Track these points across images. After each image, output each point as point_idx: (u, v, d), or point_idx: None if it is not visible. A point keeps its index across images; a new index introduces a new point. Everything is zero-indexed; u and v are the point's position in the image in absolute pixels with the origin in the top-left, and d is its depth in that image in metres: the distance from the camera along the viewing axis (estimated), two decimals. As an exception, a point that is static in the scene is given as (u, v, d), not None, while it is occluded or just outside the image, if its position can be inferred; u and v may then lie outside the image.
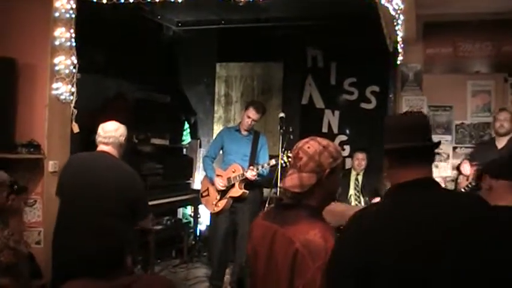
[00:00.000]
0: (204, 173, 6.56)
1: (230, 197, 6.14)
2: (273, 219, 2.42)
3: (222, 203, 6.15)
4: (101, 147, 4.13)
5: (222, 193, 6.18)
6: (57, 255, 4.06)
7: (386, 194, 2.04)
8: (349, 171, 7.19)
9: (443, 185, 5.99)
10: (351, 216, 2.03)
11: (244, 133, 6.33)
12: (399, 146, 1.99)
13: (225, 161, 6.39)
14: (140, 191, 4.12)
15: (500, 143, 5.99)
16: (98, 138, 4.14)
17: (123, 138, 4.16)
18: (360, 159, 7.02)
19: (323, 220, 2.36)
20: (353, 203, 6.77)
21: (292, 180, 2.36)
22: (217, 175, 6.24)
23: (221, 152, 6.47)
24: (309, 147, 2.38)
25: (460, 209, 1.86)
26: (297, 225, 2.27)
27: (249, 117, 6.18)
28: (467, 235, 1.77)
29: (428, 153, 2.04)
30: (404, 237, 1.80)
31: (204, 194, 6.38)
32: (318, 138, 2.43)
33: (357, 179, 7.07)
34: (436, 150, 2.12)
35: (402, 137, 1.99)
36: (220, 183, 6.15)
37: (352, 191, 6.99)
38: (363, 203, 6.72)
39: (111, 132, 4.11)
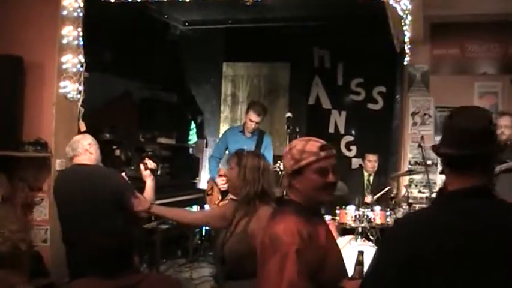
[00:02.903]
0: (209, 173, 6.55)
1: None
2: (270, 216, 2.49)
3: (224, 204, 6.11)
4: (73, 160, 4.28)
5: (224, 194, 6.13)
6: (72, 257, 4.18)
7: (438, 200, 1.99)
8: (359, 171, 7.20)
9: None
10: (401, 220, 2.00)
11: (248, 135, 6.31)
12: (463, 152, 1.87)
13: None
14: (120, 185, 4.20)
15: None
16: (68, 155, 4.32)
17: (87, 143, 4.28)
18: (373, 161, 7.04)
19: (305, 216, 2.38)
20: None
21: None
22: (221, 175, 6.21)
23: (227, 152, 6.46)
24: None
25: None
26: (275, 220, 2.35)
27: (251, 121, 6.18)
28: None
29: (490, 160, 1.94)
30: (460, 246, 1.77)
31: (209, 193, 6.39)
32: (294, 141, 2.50)
33: (368, 180, 7.08)
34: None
35: (468, 143, 1.86)
36: (221, 182, 6.12)
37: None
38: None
39: (75, 144, 4.28)
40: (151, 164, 4.48)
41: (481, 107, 2.12)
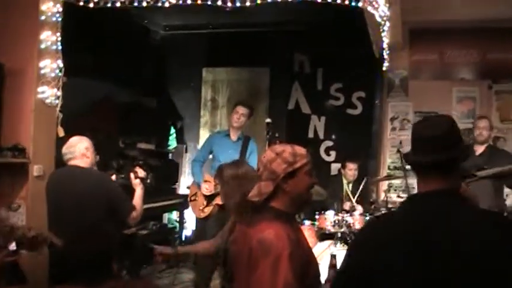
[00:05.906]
0: (192, 178, 6.51)
1: (216, 204, 6.06)
2: (246, 221, 2.55)
3: (208, 209, 6.08)
4: (69, 163, 4.36)
5: (209, 199, 6.10)
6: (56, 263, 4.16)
7: (401, 203, 2.08)
8: (338, 177, 7.16)
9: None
10: (366, 223, 2.09)
11: (234, 138, 6.29)
12: (417, 159, 2.00)
13: (213, 166, 6.24)
14: (113, 191, 4.31)
15: (478, 150, 5.98)
16: (65, 157, 4.39)
17: (83, 147, 4.37)
18: (353, 170, 6.96)
19: (288, 221, 2.47)
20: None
21: (253, 190, 2.51)
22: (205, 181, 6.16)
23: (210, 156, 6.44)
24: (264, 157, 2.54)
25: (474, 228, 1.81)
26: (259, 226, 2.40)
27: (237, 112, 6.19)
28: (476, 255, 1.75)
29: (448, 165, 1.96)
30: (410, 248, 1.81)
31: (192, 199, 6.31)
32: (277, 146, 2.57)
33: (348, 186, 7.05)
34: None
35: (422, 150, 1.98)
36: (206, 188, 6.09)
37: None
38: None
39: (72, 147, 4.37)
40: (141, 172, 4.62)
41: (446, 116, 2.23)
